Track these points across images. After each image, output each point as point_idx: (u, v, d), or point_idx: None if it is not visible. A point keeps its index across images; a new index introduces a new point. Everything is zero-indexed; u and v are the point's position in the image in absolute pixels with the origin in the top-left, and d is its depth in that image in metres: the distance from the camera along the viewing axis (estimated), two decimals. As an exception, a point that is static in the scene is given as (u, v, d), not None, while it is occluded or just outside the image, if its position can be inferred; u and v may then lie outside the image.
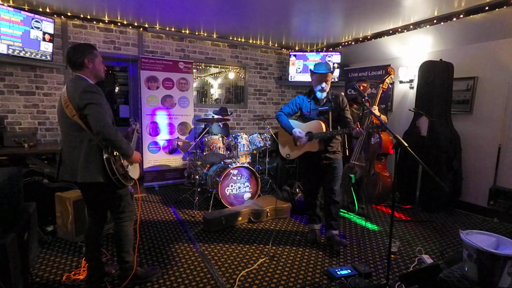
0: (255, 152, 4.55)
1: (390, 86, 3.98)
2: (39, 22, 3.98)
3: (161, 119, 4.92)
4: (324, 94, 2.82)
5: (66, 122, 1.93)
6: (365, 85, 4.02)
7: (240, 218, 3.49)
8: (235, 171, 3.92)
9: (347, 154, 3.87)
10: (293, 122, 2.92)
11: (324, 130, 2.76)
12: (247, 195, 4.04)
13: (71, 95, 1.88)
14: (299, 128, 2.84)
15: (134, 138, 2.37)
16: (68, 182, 3.13)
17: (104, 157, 1.92)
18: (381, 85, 3.74)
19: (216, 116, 4.92)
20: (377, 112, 3.82)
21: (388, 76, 3.74)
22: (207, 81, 6.49)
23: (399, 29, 4.53)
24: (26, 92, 4.30)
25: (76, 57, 1.94)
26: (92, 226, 2.20)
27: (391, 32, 4.68)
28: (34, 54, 3.99)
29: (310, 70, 2.84)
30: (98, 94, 1.89)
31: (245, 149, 4.25)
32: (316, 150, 2.82)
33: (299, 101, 2.95)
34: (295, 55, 6.02)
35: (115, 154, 1.98)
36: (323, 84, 2.76)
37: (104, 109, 1.88)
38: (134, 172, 2.16)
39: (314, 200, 3.10)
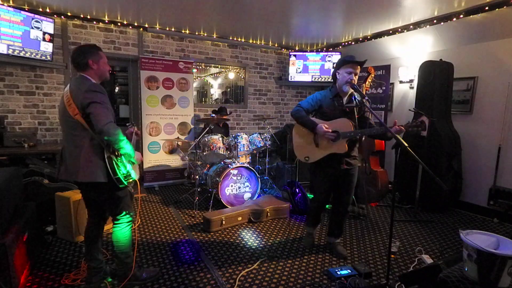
0: (255, 152, 4.55)
1: (372, 84, 3.98)
2: (39, 22, 3.98)
3: (161, 119, 4.93)
4: (351, 90, 2.54)
5: (68, 121, 1.93)
6: None
7: (240, 218, 3.49)
8: (235, 171, 3.92)
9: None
10: (315, 120, 2.59)
11: (352, 130, 2.48)
12: (247, 195, 4.04)
13: (75, 94, 1.89)
14: (314, 121, 2.54)
15: (133, 141, 2.37)
16: (68, 182, 3.14)
17: (106, 156, 1.92)
18: (364, 85, 3.76)
19: (215, 116, 4.91)
20: None
21: (368, 75, 3.77)
22: (207, 81, 6.49)
23: (399, 29, 4.53)
24: (26, 92, 4.30)
25: (80, 58, 1.96)
26: (92, 226, 2.20)
27: (391, 32, 4.68)
28: (34, 54, 3.99)
29: (343, 60, 2.54)
30: (101, 93, 1.90)
31: (245, 149, 4.25)
32: (344, 151, 2.52)
33: (320, 97, 2.63)
34: (295, 55, 6.02)
35: (116, 153, 1.98)
36: (352, 77, 2.48)
37: (107, 108, 1.88)
38: (134, 172, 2.16)
39: (323, 209, 2.91)
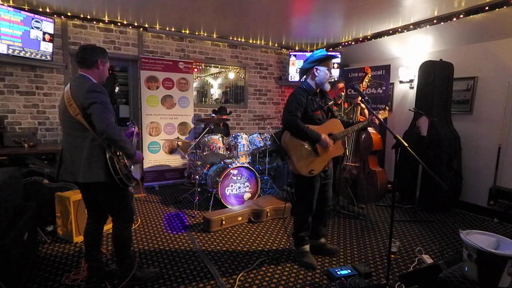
0: (255, 152, 4.55)
1: (369, 84, 3.99)
2: (39, 22, 3.98)
3: (161, 119, 4.93)
4: (329, 87, 2.45)
5: (68, 121, 1.92)
6: (341, 85, 4.02)
7: (240, 218, 3.49)
8: (235, 171, 3.92)
9: (347, 154, 3.89)
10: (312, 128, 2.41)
11: (343, 129, 2.47)
12: (247, 195, 4.04)
13: (75, 94, 1.88)
14: (317, 131, 2.37)
15: (133, 141, 2.37)
16: (68, 182, 3.14)
17: (108, 156, 1.92)
18: (361, 85, 3.77)
19: (215, 116, 4.92)
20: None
21: (365, 75, 3.78)
22: (207, 81, 6.49)
23: (399, 29, 4.53)
24: (26, 92, 4.30)
25: (90, 55, 1.96)
26: (92, 226, 2.20)
27: (391, 32, 4.68)
28: (34, 54, 3.99)
29: (326, 55, 2.39)
30: (102, 93, 1.90)
31: (245, 149, 4.25)
32: (342, 153, 2.48)
33: (303, 99, 2.40)
34: (295, 55, 6.02)
35: (118, 154, 1.98)
36: (331, 73, 2.43)
37: (108, 108, 1.88)
38: (135, 172, 2.16)
39: (311, 216, 2.64)
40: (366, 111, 3.91)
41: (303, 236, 2.66)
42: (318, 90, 2.51)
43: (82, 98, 1.84)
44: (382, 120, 2.44)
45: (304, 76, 2.55)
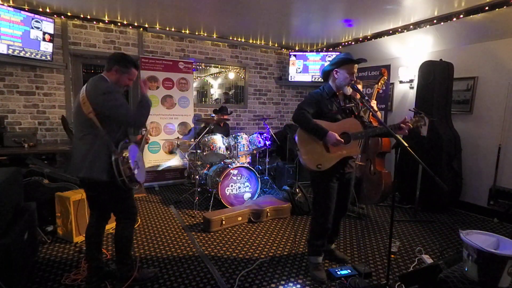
0: (255, 152, 4.55)
1: (384, 87, 3.99)
2: (39, 22, 3.98)
3: (161, 119, 4.93)
4: (350, 91, 2.40)
5: (80, 118, 1.99)
6: (359, 85, 4.01)
7: (240, 218, 3.49)
8: (235, 171, 3.92)
9: None
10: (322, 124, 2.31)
11: (360, 129, 2.36)
12: (247, 195, 4.04)
13: (91, 94, 1.96)
14: (329, 129, 2.24)
15: (143, 144, 2.40)
16: (69, 182, 3.15)
17: (113, 158, 1.96)
18: (376, 86, 3.77)
19: (215, 116, 4.91)
20: (375, 107, 3.84)
21: (381, 77, 3.76)
22: (207, 81, 6.49)
23: (399, 29, 4.53)
24: (26, 92, 4.30)
25: (111, 60, 2.09)
26: (94, 225, 2.20)
27: (391, 32, 4.68)
28: (34, 54, 3.99)
29: (346, 58, 2.34)
30: (116, 93, 2.01)
31: (245, 149, 4.25)
32: (357, 153, 2.40)
33: (317, 97, 2.39)
34: (295, 55, 6.02)
35: (123, 156, 1.99)
36: (354, 77, 2.35)
37: (124, 103, 2.03)
38: (140, 175, 2.16)
39: (330, 224, 2.48)
40: (379, 113, 3.86)
41: (318, 245, 2.49)
42: (339, 93, 2.43)
43: (100, 100, 1.94)
44: (411, 127, 2.27)
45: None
